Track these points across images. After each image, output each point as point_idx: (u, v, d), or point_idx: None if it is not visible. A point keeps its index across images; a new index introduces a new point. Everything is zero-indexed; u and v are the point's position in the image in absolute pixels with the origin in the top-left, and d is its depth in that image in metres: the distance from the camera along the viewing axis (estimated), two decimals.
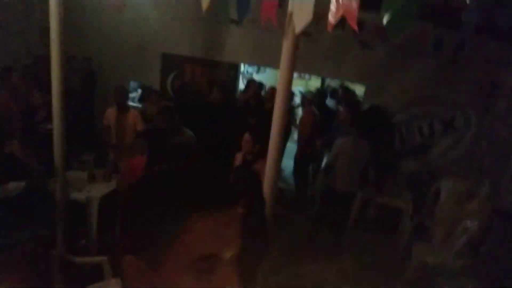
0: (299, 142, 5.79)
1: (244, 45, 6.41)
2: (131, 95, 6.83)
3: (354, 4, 1.60)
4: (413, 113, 5.68)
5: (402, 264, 3.98)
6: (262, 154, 3.75)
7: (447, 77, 5.36)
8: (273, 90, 6.38)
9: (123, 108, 4.79)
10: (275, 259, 3.64)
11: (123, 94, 4.93)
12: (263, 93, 6.85)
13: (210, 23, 6.33)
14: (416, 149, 5.36)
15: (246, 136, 3.54)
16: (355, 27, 1.63)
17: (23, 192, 3.25)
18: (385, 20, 1.53)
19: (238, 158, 3.76)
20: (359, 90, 6.85)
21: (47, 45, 3.24)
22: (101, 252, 3.43)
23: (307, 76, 9.53)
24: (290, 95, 2.72)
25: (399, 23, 1.51)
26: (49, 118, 3.52)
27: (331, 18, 1.73)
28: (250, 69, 9.17)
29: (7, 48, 6.22)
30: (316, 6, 1.91)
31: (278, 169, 2.73)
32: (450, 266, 3.31)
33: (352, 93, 6.71)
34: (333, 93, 7.33)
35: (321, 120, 5.60)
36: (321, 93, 7.23)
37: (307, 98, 5.86)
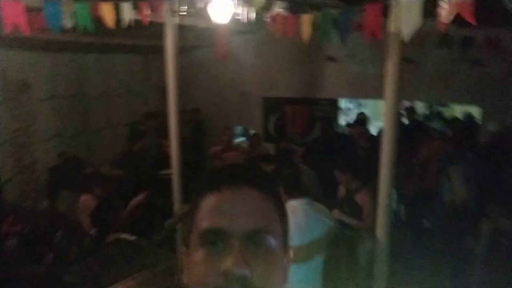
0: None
1: (342, 80, 6.38)
2: (237, 140, 7.17)
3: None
4: None
5: None
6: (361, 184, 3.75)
7: None
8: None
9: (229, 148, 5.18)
10: None
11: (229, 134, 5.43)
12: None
13: (307, 63, 6.48)
14: None
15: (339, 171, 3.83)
16: (473, 21, 1.69)
17: None
18: None
19: (341, 190, 4.00)
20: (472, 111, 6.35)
21: (163, 102, 3.66)
22: None
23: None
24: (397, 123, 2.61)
25: None
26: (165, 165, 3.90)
27: (444, 18, 1.73)
28: (350, 105, 8.99)
29: (131, 107, 7.17)
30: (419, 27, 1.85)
31: (390, 199, 2.59)
32: None
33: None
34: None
35: None
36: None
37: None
